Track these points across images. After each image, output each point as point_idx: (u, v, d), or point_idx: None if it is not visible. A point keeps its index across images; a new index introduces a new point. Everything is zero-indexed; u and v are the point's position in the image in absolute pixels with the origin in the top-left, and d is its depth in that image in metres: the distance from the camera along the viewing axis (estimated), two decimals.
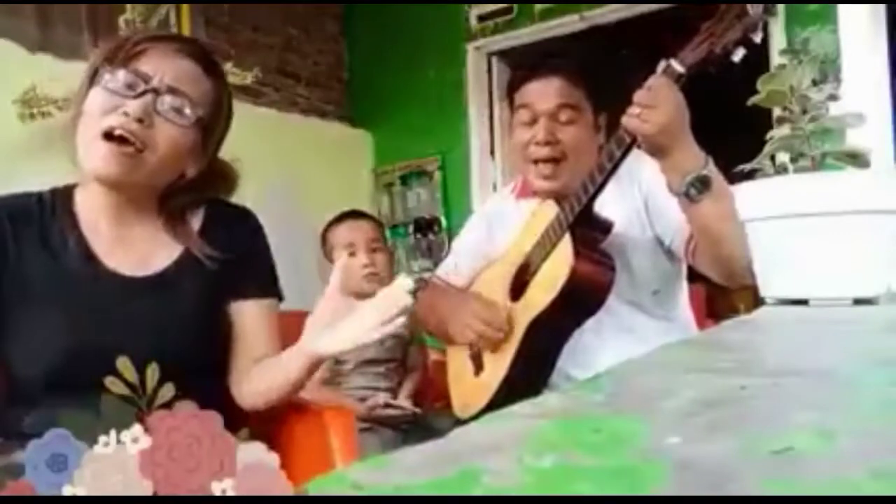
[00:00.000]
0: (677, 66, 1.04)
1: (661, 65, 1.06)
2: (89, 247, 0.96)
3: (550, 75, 1.33)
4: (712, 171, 1.05)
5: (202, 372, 0.93)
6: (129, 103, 0.88)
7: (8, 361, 0.92)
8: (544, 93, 1.32)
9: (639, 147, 1.08)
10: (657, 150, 1.06)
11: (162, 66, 0.92)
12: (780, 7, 2.57)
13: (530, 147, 1.32)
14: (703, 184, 1.04)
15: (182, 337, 0.94)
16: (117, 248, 0.97)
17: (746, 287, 1.09)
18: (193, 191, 1.01)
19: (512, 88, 1.40)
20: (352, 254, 1.81)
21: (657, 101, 1.02)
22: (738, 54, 1.00)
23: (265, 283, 1.06)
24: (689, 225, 1.13)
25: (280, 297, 1.09)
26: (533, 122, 1.32)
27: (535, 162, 1.31)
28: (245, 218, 1.08)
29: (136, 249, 0.98)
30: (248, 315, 1.02)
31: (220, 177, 1.05)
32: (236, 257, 1.00)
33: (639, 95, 1.04)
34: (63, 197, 0.99)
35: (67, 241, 0.95)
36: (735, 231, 1.03)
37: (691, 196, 1.05)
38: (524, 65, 1.42)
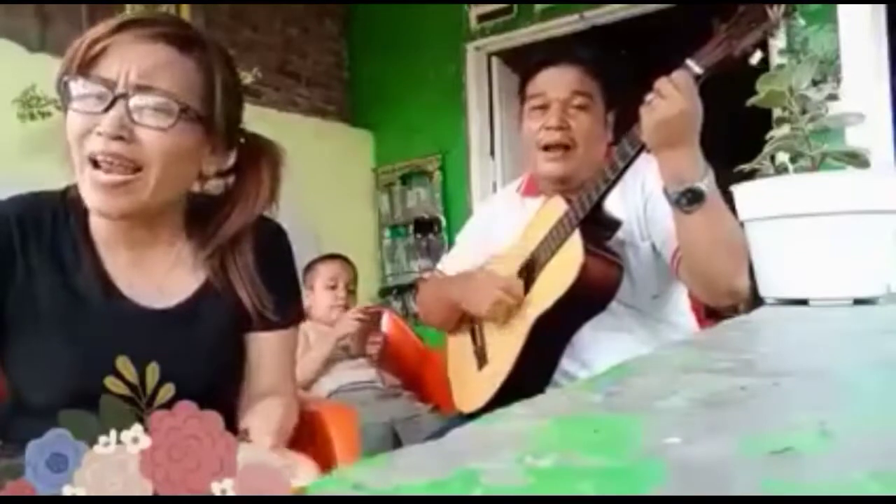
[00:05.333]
0: (694, 67, 1.01)
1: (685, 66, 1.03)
2: (104, 269, 0.87)
3: (565, 65, 1.33)
4: (709, 185, 1.02)
5: (219, 405, 0.89)
6: (102, 120, 0.76)
7: (13, 382, 0.86)
8: (558, 81, 1.31)
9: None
10: (655, 144, 1.04)
11: (125, 63, 0.78)
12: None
13: (541, 132, 1.30)
14: (694, 196, 1.01)
15: (202, 373, 0.86)
16: (134, 273, 0.88)
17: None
18: (233, 207, 0.90)
19: (525, 79, 1.39)
20: (332, 287, 2.25)
21: (670, 93, 1.00)
22: (756, 57, 0.97)
23: (289, 313, 0.96)
24: (677, 235, 1.11)
25: (302, 319, 1.02)
26: (545, 109, 1.31)
27: (546, 148, 1.30)
28: (276, 236, 0.98)
29: (154, 275, 0.89)
30: (268, 347, 0.94)
31: (258, 157, 0.93)
32: (262, 286, 0.92)
33: (658, 83, 1.02)
34: (77, 202, 0.87)
35: (81, 258, 0.86)
36: (721, 251, 1.02)
37: (681, 206, 1.03)
38: (538, 57, 1.40)
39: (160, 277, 0.89)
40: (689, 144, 1.02)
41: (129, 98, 0.77)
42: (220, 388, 0.90)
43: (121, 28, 0.80)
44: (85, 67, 0.79)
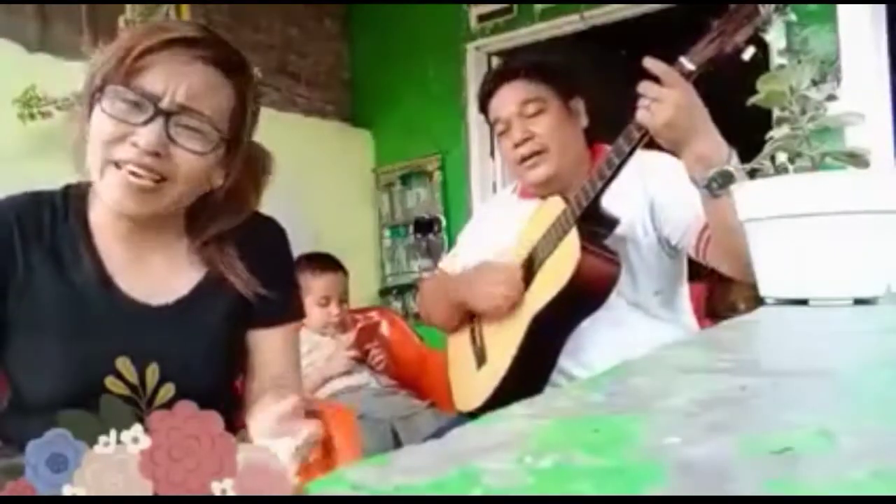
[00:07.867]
0: (687, 64, 1.02)
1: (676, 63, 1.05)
2: (104, 267, 0.88)
3: (503, 83, 1.39)
4: (736, 165, 1.03)
5: (218, 401, 0.90)
6: (139, 132, 0.77)
7: (14, 380, 0.87)
8: (506, 100, 1.38)
9: (650, 142, 1.08)
10: (670, 144, 1.05)
11: (173, 81, 0.78)
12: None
13: (512, 151, 1.37)
14: (725, 179, 1.02)
15: (201, 369, 0.88)
16: (134, 271, 0.89)
17: (746, 285, 1.09)
18: (226, 206, 0.91)
19: (482, 110, 1.46)
20: (324, 304, 2.15)
21: (663, 95, 1.01)
22: (748, 53, 0.99)
23: (289, 310, 0.99)
24: (707, 218, 1.12)
25: (303, 316, 1.04)
26: (507, 129, 1.37)
27: (522, 162, 1.36)
28: (274, 233, 1.00)
29: (154, 273, 0.90)
30: (270, 343, 0.96)
31: (254, 162, 0.94)
32: (261, 281, 0.93)
33: (643, 86, 1.03)
34: (77, 201, 0.90)
35: (81, 256, 0.87)
36: None
37: (712, 190, 1.03)
38: (483, 89, 1.47)
39: (160, 275, 0.91)
40: (704, 132, 1.03)
41: (172, 116, 0.78)
42: (219, 384, 0.92)
43: (171, 44, 0.80)
44: (129, 76, 0.78)
